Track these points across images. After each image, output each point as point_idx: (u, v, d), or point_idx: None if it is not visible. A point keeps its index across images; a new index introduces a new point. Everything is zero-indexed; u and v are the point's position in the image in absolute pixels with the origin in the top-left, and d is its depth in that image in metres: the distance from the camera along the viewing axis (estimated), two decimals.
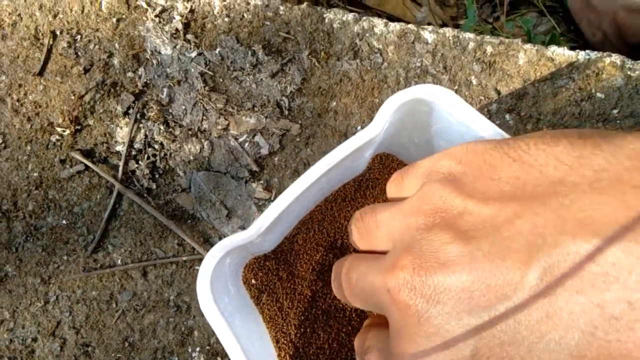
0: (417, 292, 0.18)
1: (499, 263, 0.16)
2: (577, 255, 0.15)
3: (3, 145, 0.40)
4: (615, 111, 0.41)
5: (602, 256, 0.14)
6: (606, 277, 0.14)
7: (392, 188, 0.26)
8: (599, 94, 0.41)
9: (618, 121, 0.41)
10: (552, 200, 0.16)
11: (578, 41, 0.79)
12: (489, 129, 0.27)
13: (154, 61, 0.41)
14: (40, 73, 0.41)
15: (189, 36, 0.41)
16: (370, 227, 0.24)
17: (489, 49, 0.42)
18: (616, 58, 0.42)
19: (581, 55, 0.42)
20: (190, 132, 0.40)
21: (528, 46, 0.42)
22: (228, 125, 0.40)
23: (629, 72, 0.42)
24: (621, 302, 0.14)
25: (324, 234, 0.37)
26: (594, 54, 0.42)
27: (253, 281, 0.36)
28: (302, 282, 0.36)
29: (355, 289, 0.23)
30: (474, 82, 0.42)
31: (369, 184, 0.38)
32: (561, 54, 0.42)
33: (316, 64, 0.42)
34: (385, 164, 0.38)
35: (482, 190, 0.19)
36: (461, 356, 0.17)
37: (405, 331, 0.19)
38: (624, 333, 0.14)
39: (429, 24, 0.77)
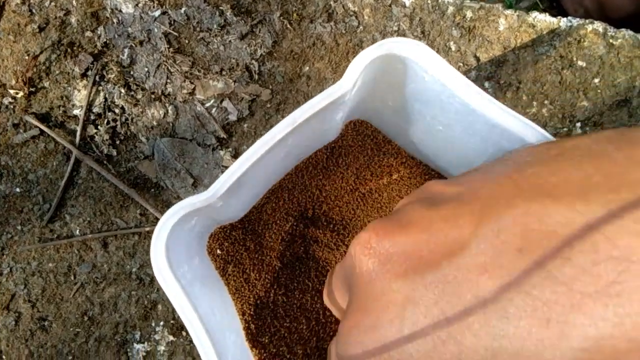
0: (373, 251, 0.18)
1: (453, 223, 0.16)
2: (526, 216, 0.14)
3: None
4: (596, 80, 0.40)
5: (548, 215, 0.14)
6: (550, 235, 0.14)
7: None
8: (580, 62, 0.40)
9: (599, 90, 0.40)
10: (514, 174, 0.17)
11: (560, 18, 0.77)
12: (465, 87, 0.26)
13: (115, 20, 0.38)
14: None
15: None
16: None
17: (469, 14, 0.40)
18: (598, 26, 0.41)
19: (563, 22, 0.41)
20: (153, 96, 0.38)
21: (509, 12, 0.41)
22: (194, 89, 0.38)
23: (611, 40, 0.40)
24: (560, 259, 0.13)
25: (295, 203, 0.36)
26: (575, 21, 0.41)
27: (218, 251, 0.34)
28: (271, 253, 0.35)
29: (336, 274, 0.24)
30: (453, 48, 0.40)
31: (342, 152, 0.36)
32: (542, 20, 0.41)
33: (288, 26, 0.39)
34: (358, 131, 0.37)
35: (464, 178, 0.20)
36: (401, 315, 0.16)
37: (356, 292, 0.19)
38: (557, 288, 0.13)
39: None
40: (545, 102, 0.40)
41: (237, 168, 0.25)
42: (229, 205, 0.29)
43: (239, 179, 0.26)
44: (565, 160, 0.16)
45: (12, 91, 0.37)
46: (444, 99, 0.28)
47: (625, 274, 0.12)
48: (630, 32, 0.41)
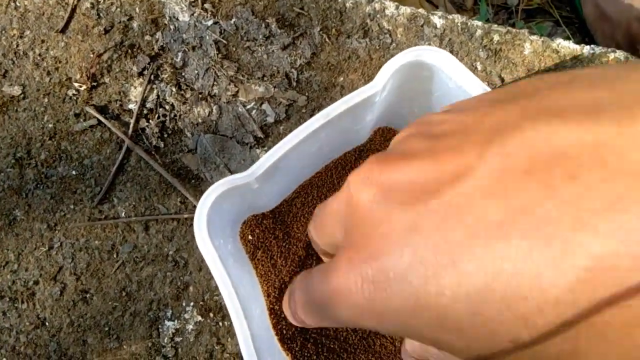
0: (374, 181, 0.17)
1: (458, 150, 0.15)
2: (533, 138, 0.14)
3: (22, 95, 0.42)
4: None
5: (556, 136, 0.13)
6: (558, 155, 0.13)
7: None
8: None
9: None
10: (523, 100, 0.16)
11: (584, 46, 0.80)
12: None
13: (172, 27, 0.43)
14: (63, 30, 0.43)
15: (206, 5, 0.43)
16: None
17: (496, 37, 0.43)
18: (620, 54, 0.43)
19: (586, 49, 0.43)
20: (200, 96, 0.42)
21: (534, 37, 0.43)
22: (237, 92, 0.42)
23: None
24: (568, 177, 0.13)
25: (322, 199, 0.39)
26: (598, 49, 0.43)
27: (250, 237, 0.37)
28: (297, 243, 0.37)
29: (328, 211, 0.21)
30: (479, 67, 0.43)
31: (369, 155, 0.39)
32: (566, 46, 0.43)
33: (327, 40, 0.43)
34: (386, 137, 0.39)
35: (464, 106, 0.19)
36: (402, 242, 0.15)
37: (353, 225, 0.18)
38: (562, 207, 0.13)
39: None
40: None
41: (273, 153, 0.28)
42: (263, 190, 0.32)
43: (275, 163, 0.29)
44: (576, 83, 0.15)
45: (76, 84, 0.42)
46: None
47: (634, 188, 0.12)
48: None
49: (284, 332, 0.35)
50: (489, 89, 0.28)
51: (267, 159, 0.28)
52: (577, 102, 0.14)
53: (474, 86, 0.29)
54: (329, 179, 0.39)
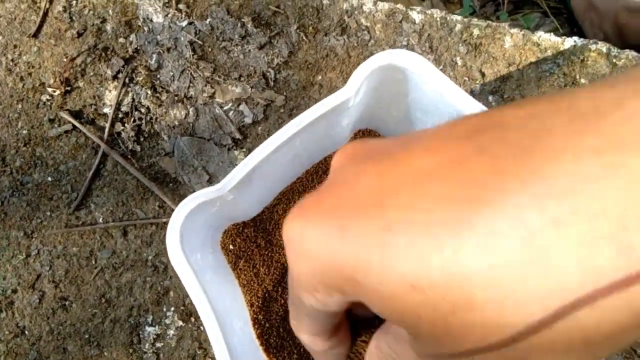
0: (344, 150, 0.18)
1: (422, 134, 0.17)
2: (483, 117, 0.15)
3: None
4: None
5: (502, 113, 0.15)
6: (497, 125, 0.15)
7: None
8: (583, 80, 0.42)
9: None
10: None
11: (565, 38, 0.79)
12: (461, 97, 0.28)
13: (146, 28, 0.42)
14: (35, 35, 0.42)
15: (180, 5, 0.42)
16: None
17: (476, 32, 0.43)
18: (602, 46, 0.43)
19: (568, 41, 0.43)
20: (176, 98, 0.41)
21: (515, 30, 0.43)
22: (214, 93, 0.41)
23: (614, 60, 0.42)
24: (499, 140, 0.14)
25: None
26: (580, 41, 0.43)
27: (231, 247, 0.36)
28: (280, 251, 0.37)
29: None
30: (459, 63, 0.42)
31: None
32: (547, 39, 0.43)
33: (304, 38, 0.42)
34: None
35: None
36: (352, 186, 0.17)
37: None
38: (492, 162, 0.14)
39: None
40: None
41: (245, 164, 0.28)
42: (240, 200, 0.31)
43: (249, 174, 0.28)
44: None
45: (50, 89, 0.41)
46: (441, 107, 0.30)
47: (541, 140, 0.13)
48: (634, 53, 0.43)
49: (271, 341, 0.34)
50: (461, 91, 0.28)
51: (239, 171, 0.27)
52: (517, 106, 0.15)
53: (446, 88, 0.28)
54: (310, 183, 0.38)
